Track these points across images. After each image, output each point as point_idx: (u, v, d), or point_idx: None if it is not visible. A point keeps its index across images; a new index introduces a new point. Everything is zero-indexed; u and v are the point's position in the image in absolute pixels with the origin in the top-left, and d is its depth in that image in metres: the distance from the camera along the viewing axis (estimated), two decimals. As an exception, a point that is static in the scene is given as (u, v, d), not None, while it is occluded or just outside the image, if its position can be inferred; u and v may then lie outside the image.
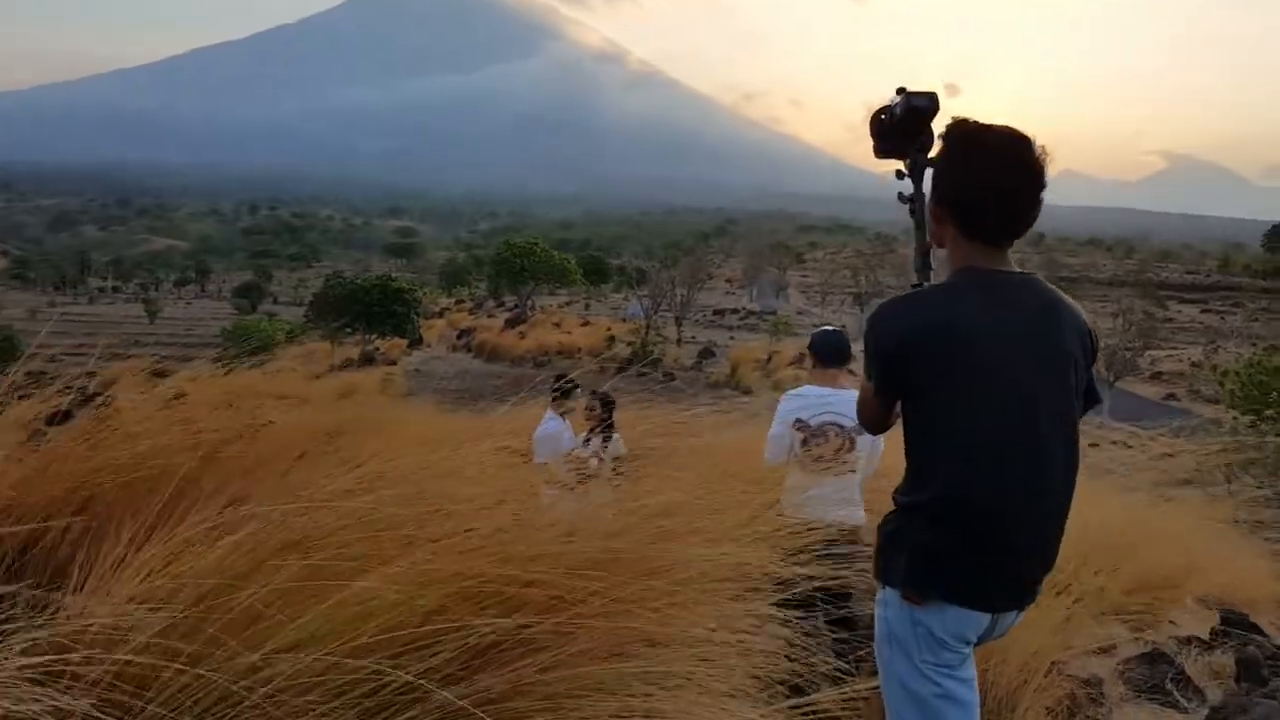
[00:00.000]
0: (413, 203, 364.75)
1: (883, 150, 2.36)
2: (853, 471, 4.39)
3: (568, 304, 72.71)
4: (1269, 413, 16.66)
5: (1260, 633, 5.13)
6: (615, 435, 6.19)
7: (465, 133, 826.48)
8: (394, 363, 34.65)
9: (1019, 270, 2.19)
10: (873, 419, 2.35)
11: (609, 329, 44.86)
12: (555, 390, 6.32)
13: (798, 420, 4.39)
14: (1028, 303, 2.15)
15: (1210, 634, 5.01)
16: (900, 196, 2.36)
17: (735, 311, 65.78)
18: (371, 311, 38.04)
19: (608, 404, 6.29)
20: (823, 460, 4.33)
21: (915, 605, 2.14)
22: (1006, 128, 2.10)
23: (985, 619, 2.15)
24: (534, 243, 57.76)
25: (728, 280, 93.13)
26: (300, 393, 23.97)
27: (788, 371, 33.88)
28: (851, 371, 4.60)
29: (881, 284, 67.86)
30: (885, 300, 2.24)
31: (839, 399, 4.43)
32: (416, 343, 40.57)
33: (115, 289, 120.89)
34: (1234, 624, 5.06)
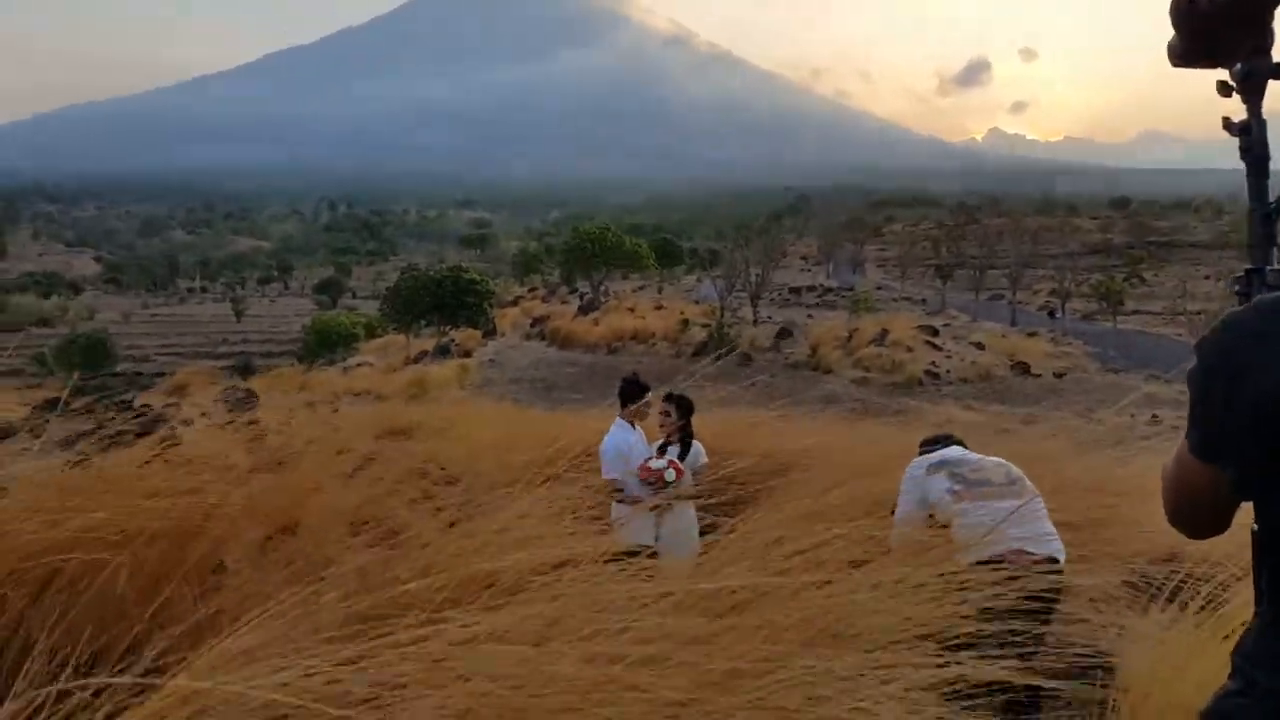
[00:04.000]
0: (485, 194, 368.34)
1: (1189, 52, 1.43)
2: (1035, 496, 3.75)
3: (640, 289, 72.17)
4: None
5: None
6: (694, 443, 5.45)
7: (535, 122, 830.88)
8: (469, 354, 34.62)
9: None
10: (1196, 514, 1.34)
11: (683, 313, 44.22)
12: (622, 393, 5.50)
13: (950, 490, 3.76)
14: None
15: None
16: (1228, 125, 1.42)
17: (812, 289, 64.43)
18: (445, 303, 38.12)
19: (684, 407, 5.49)
20: (988, 486, 3.70)
21: None
22: None
23: None
24: (605, 229, 57.56)
25: (803, 258, 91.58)
26: (375, 388, 24.06)
27: (869, 350, 32.86)
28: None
29: (964, 255, 65.84)
30: (1249, 305, 1.24)
31: (988, 460, 3.92)
32: (491, 333, 40.55)
33: (203, 289, 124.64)
34: None
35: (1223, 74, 1.41)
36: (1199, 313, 41.99)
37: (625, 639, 1.96)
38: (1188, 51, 1.42)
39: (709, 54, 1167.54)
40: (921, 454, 4.08)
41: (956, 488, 3.71)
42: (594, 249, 54.53)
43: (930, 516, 3.78)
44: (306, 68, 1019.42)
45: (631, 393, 5.47)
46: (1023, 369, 30.86)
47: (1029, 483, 3.80)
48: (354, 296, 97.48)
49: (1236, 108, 1.40)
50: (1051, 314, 53.89)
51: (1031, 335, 40.52)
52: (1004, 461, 3.92)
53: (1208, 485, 1.27)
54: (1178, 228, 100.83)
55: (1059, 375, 30.12)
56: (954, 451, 3.98)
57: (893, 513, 3.89)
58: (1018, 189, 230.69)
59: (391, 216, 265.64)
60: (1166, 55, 1.46)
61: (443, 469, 6.00)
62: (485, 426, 8.53)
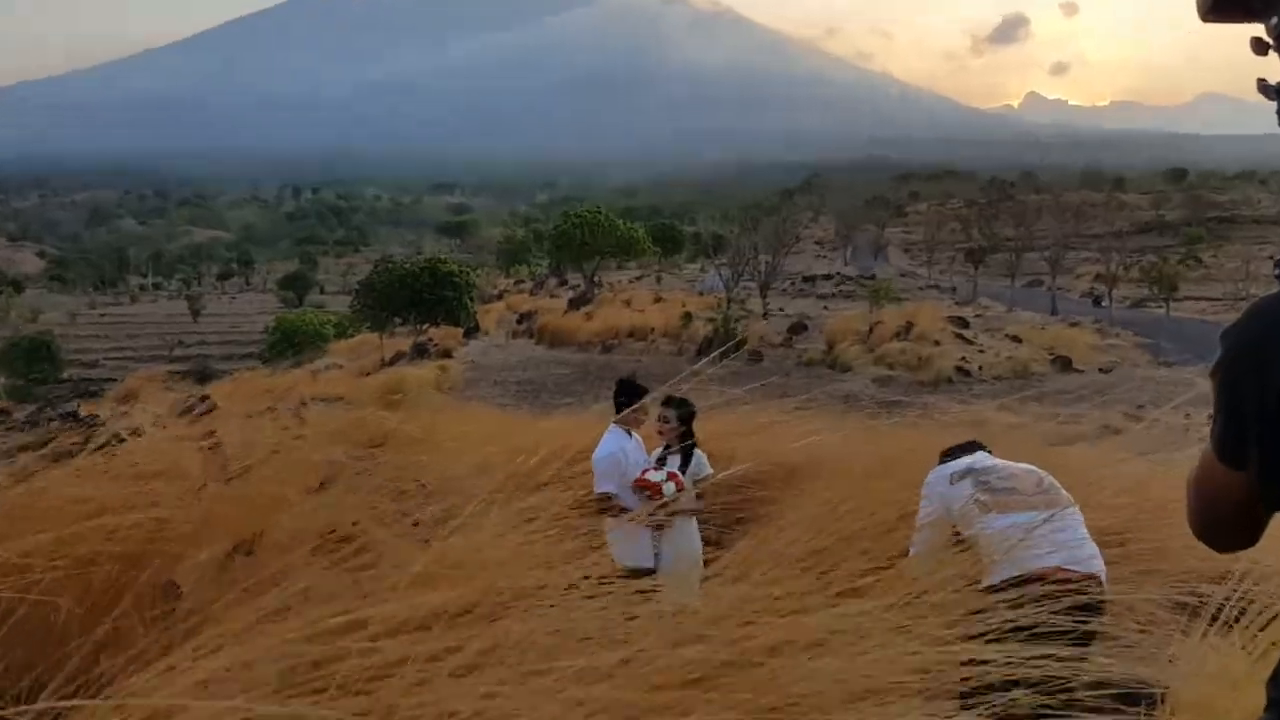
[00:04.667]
0: (466, 175, 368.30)
1: (1218, 4, 1.34)
2: (1071, 506, 3.74)
3: (638, 279, 72.29)
4: None
5: None
6: (696, 452, 5.44)
7: (519, 96, 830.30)
8: (449, 354, 34.65)
9: None
10: (1222, 523, 1.30)
11: (685, 305, 44.25)
12: (617, 397, 5.48)
13: (976, 500, 3.75)
14: None
15: None
16: (1264, 87, 1.32)
17: (829, 277, 64.52)
18: (422, 298, 38.10)
19: (685, 414, 5.47)
20: (1017, 496, 3.70)
21: None
22: None
23: None
24: (597, 212, 57.41)
25: (817, 242, 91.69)
26: (347, 393, 24.05)
27: (892, 345, 32.85)
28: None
29: (998, 236, 65.84)
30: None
31: (1017, 466, 3.94)
32: (473, 330, 40.54)
33: (157, 286, 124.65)
34: None
35: (1259, 29, 1.32)
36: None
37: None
38: (1217, 4, 1.35)
39: (710, 12, 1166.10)
40: (943, 463, 4.07)
41: (982, 497, 3.70)
42: (585, 235, 54.43)
43: (955, 531, 3.77)
44: (269, 37, 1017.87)
45: (627, 396, 5.44)
46: (1064, 364, 30.87)
47: (1064, 491, 3.79)
48: (322, 292, 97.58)
49: (1275, 68, 1.32)
50: (1097, 301, 53.89)
51: (1074, 325, 40.57)
52: (1035, 468, 3.91)
53: (1234, 490, 1.23)
54: (1240, 201, 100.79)
55: (1105, 370, 30.13)
56: (980, 458, 3.97)
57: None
58: (1059, 160, 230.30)
59: (362, 202, 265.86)
60: (1196, 8, 1.38)
61: (422, 483, 6.00)
62: (466, 434, 8.54)
